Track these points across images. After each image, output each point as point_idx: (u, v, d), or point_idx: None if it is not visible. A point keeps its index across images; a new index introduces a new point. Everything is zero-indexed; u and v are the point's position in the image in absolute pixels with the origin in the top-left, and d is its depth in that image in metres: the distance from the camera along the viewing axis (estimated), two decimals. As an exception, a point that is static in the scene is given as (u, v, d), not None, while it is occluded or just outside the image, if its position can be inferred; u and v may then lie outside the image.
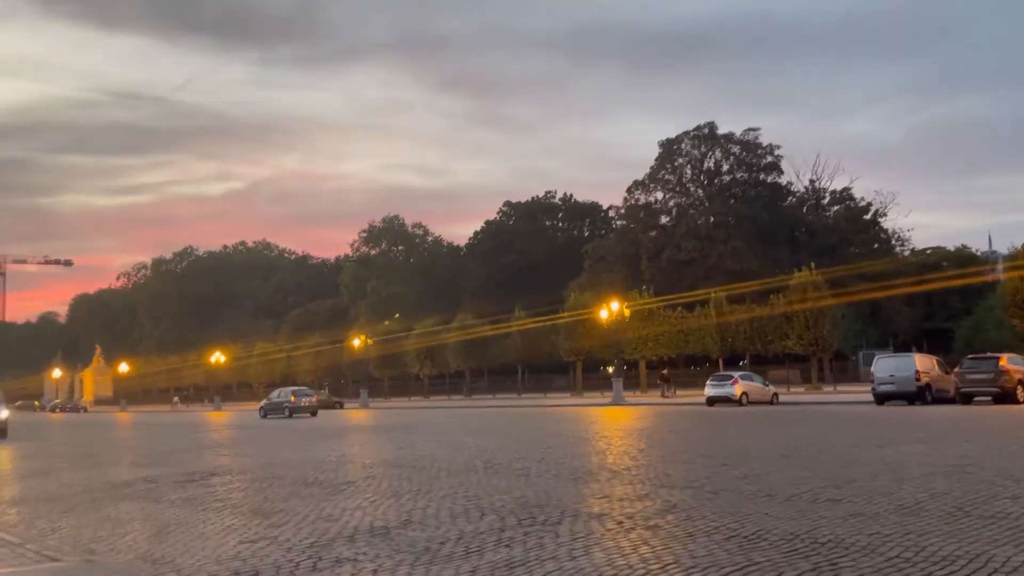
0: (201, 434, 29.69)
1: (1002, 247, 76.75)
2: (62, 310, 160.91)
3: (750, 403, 34.13)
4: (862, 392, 41.04)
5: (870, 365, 65.44)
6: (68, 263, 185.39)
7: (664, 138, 74.56)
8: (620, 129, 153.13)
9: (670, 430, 21.26)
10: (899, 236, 76.98)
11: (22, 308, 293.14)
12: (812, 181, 80.00)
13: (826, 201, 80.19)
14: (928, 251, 76.94)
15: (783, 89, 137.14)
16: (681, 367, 60.48)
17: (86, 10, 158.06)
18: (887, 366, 29.90)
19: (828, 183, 79.89)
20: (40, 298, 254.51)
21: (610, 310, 45.56)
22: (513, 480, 11.96)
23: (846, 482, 10.37)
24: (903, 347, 65.69)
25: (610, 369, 68.39)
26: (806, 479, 10.78)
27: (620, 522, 8.42)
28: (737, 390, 34.13)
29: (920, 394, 28.54)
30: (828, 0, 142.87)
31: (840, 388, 45.51)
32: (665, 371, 51.52)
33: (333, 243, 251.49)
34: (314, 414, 42.94)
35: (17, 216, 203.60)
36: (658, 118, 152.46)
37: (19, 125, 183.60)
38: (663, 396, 46.56)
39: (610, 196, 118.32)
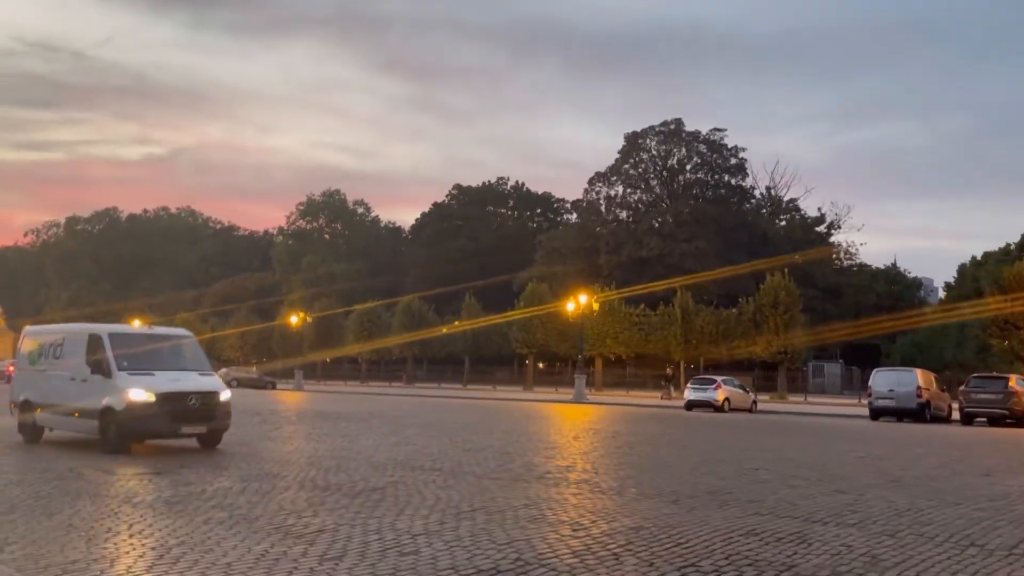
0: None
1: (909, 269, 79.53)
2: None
3: (731, 410, 32.25)
4: (836, 404, 39.92)
5: (819, 377, 66.29)
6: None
7: (629, 131, 72.65)
8: (556, 125, 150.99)
9: (698, 438, 19.04)
10: (847, 251, 77.41)
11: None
12: (769, 188, 79.79)
13: (775, 209, 79.99)
14: (854, 267, 77.74)
15: (716, 98, 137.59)
16: (633, 368, 58.43)
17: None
18: (886, 380, 28.11)
19: (785, 192, 79.82)
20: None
21: (577, 303, 43.02)
22: (597, 499, 9.41)
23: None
24: (833, 359, 65.82)
25: (541, 364, 66.06)
26: (984, 522, 8.54)
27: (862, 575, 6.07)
28: (720, 395, 32.07)
29: (921, 411, 27.00)
30: (764, 16, 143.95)
31: (811, 400, 44.18)
32: (669, 369, 47.42)
33: (257, 217, 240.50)
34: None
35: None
36: (592, 117, 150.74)
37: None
38: (663, 398, 42.49)
39: (549, 189, 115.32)
